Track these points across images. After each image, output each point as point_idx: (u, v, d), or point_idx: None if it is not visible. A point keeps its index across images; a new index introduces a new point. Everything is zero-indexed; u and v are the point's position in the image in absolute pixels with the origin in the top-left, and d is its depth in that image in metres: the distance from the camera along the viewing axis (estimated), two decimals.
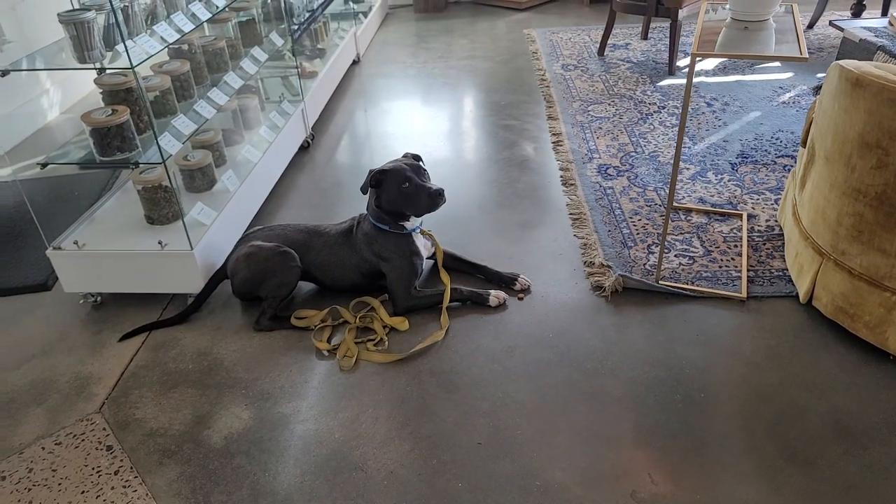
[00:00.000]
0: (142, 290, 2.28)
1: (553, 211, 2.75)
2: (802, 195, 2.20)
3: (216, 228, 2.32)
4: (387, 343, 2.10)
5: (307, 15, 3.50)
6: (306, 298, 2.33)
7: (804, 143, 2.31)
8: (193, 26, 2.26)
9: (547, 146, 3.26)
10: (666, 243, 2.49)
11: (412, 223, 2.22)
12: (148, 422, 1.88)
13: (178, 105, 2.33)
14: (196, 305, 2.25)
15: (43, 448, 1.80)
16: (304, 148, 3.37)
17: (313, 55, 3.73)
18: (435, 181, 2.92)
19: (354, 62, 4.41)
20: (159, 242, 2.18)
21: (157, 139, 2.01)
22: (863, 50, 2.96)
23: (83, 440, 1.82)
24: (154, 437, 1.83)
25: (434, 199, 2.13)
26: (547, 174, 3.02)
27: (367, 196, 2.26)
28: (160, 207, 2.29)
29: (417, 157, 2.29)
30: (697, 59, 1.95)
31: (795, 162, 2.93)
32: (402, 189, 2.15)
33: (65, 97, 4.04)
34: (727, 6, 2.19)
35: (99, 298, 2.34)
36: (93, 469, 1.73)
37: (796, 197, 2.28)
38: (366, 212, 2.29)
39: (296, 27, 3.28)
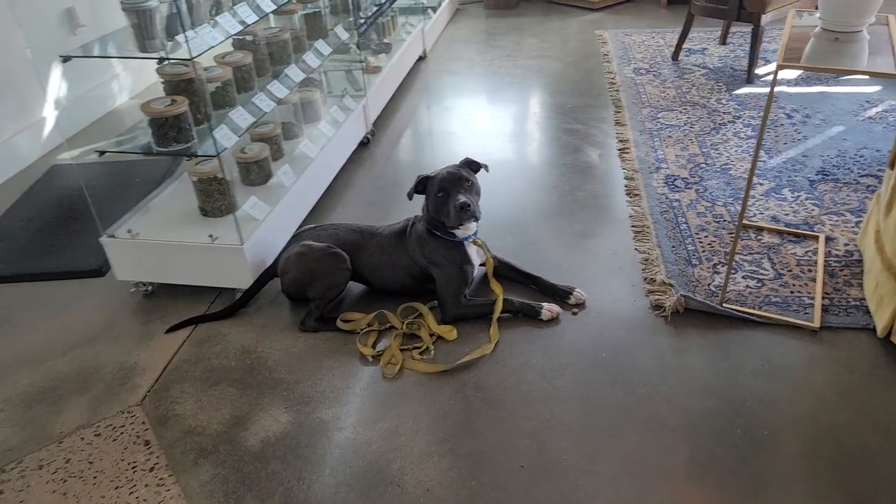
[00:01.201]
0: (191, 282, 2.28)
1: (614, 222, 2.63)
2: (887, 221, 2.01)
3: (269, 224, 2.30)
4: (433, 352, 2.04)
5: (374, 9, 3.46)
6: (354, 300, 2.29)
7: (892, 165, 2.12)
8: (257, 18, 2.24)
9: (612, 153, 3.13)
10: (734, 264, 2.34)
11: (463, 231, 2.14)
12: (187, 419, 1.87)
13: (237, 97, 2.32)
14: (243, 301, 2.24)
15: (82, 439, 1.81)
16: (364, 144, 3.34)
17: (379, 50, 3.70)
18: (494, 184, 2.84)
19: (421, 58, 4.36)
20: (210, 236, 2.18)
21: (212, 132, 2.00)
22: None
23: (122, 433, 1.82)
24: (191, 435, 1.81)
25: (457, 212, 2.03)
26: (611, 183, 2.89)
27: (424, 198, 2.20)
28: (214, 200, 2.29)
29: (472, 164, 2.20)
30: (781, 69, 1.80)
31: (880, 183, 2.71)
32: (436, 197, 2.08)
33: (135, 82, 4.14)
34: (817, 14, 2.02)
35: (150, 288, 2.36)
36: (129, 464, 1.73)
37: (880, 222, 2.10)
38: (420, 214, 2.23)
39: (362, 21, 3.25)
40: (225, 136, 2.04)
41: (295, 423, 1.83)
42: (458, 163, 2.19)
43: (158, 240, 2.21)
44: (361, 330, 2.12)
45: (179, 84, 2.13)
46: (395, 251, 2.20)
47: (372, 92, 3.31)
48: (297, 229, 2.37)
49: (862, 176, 2.79)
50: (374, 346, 2.07)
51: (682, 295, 2.15)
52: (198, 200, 2.33)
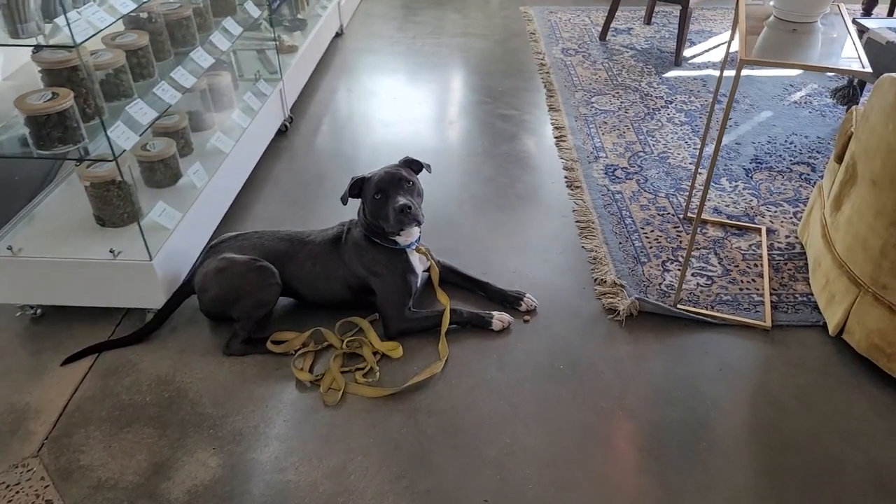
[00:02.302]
0: (91, 303, 1.97)
1: (558, 216, 2.50)
2: (837, 217, 1.99)
3: (181, 232, 2.01)
4: (378, 374, 1.84)
5: None
6: (284, 316, 2.04)
7: (839, 159, 2.10)
8: None
9: (549, 141, 3.00)
10: (681, 260, 2.28)
11: (405, 238, 1.94)
12: (95, 470, 1.59)
13: (134, 86, 1.99)
14: (156, 323, 1.95)
15: None
16: (282, 132, 3.03)
17: (293, 27, 3.37)
18: (429, 177, 2.63)
19: (337, 34, 4.05)
20: (111, 251, 1.87)
21: (106, 132, 1.68)
22: (889, 53, 2.75)
23: (18, 492, 1.53)
24: (102, 490, 1.54)
25: (397, 215, 1.82)
26: (550, 173, 2.76)
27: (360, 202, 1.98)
28: (113, 207, 1.97)
29: (412, 163, 2.00)
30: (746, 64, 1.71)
31: (813, 171, 2.73)
32: (374, 200, 1.87)
33: (7, 62, 3.59)
34: (770, 1, 1.94)
35: (38, 311, 2.02)
36: None
37: (827, 217, 2.08)
38: (356, 218, 2.01)
39: None
40: (123, 135, 1.73)
41: (227, 466, 1.60)
42: (397, 162, 1.98)
43: (48, 257, 1.88)
44: (296, 351, 1.90)
45: (62, 73, 1.79)
46: (329, 260, 1.97)
47: (288, 74, 3.00)
48: (214, 238, 2.08)
49: (794, 164, 2.80)
50: (311, 370, 1.86)
51: (635, 298, 2.06)
52: (93, 208, 1.99)
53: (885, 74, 1.76)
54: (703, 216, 2.49)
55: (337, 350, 1.90)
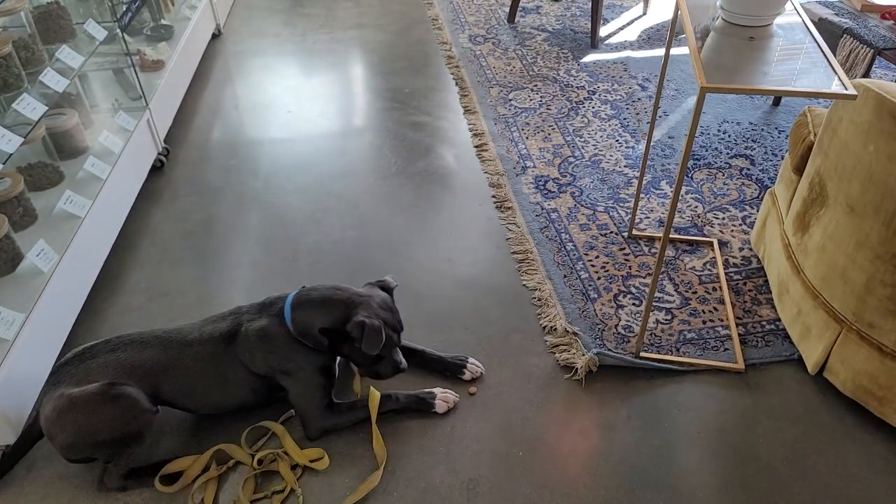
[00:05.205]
0: None
1: (492, 248, 2.19)
2: (804, 240, 1.78)
3: (26, 340, 1.56)
4: (301, 497, 1.49)
5: None
6: (176, 429, 1.64)
7: (798, 170, 1.89)
8: None
9: (469, 151, 2.66)
10: (634, 291, 2.03)
11: None
12: None
13: None
14: (7, 465, 1.50)
15: None
16: (157, 168, 2.53)
17: (157, 36, 2.82)
18: (339, 212, 2.26)
19: (214, 35, 3.50)
20: None
21: None
22: (824, 31, 2.57)
23: None
24: None
25: (393, 372, 1.63)
26: (476, 193, 2.43)
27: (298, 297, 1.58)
28: None
29: (386, 288, 1.69)
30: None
31: (753, 164, 2.52)
32: (367, 356, 1.56)
33: None
34: None
35: None
36: None
37: (790, 237, 1.86)
38: (251, 306, 1.61)
39: (124, 5, 2.39)
40: None
41: None
42: (383, 295, 1.63)
43: None
44: (194, 483, 1.51)
45: None
46: (223, 362, 1.54)
47: (156, 97, 2.50)
48: (57, 361, 1.60)
49: (731, 157, 2.60)
50: None
51: (594, 353, 1.79)
52: None
53: (857, 81, 1.52)
54: (649, 232, 2.25)
55: (247, 469, 1.53)
